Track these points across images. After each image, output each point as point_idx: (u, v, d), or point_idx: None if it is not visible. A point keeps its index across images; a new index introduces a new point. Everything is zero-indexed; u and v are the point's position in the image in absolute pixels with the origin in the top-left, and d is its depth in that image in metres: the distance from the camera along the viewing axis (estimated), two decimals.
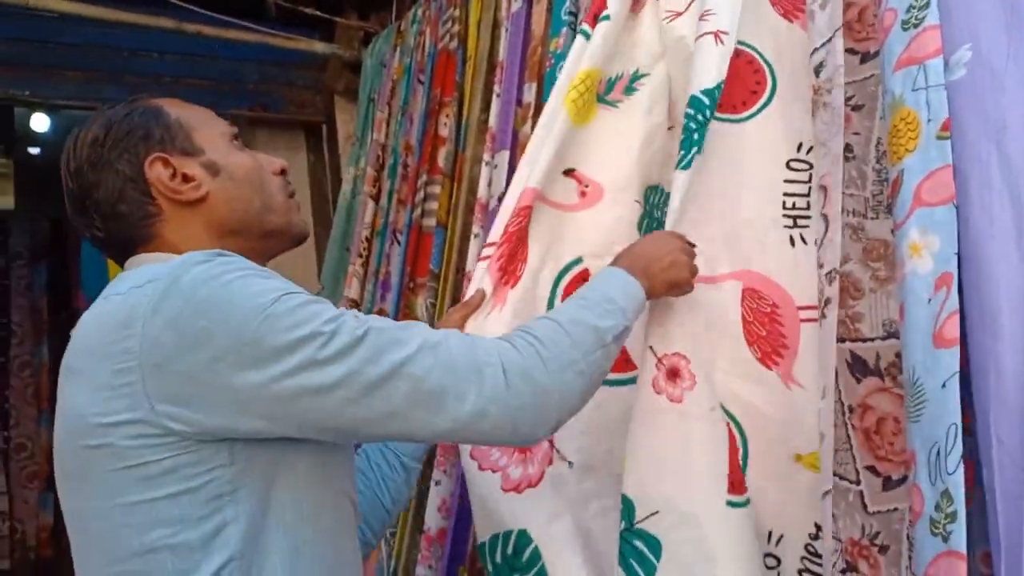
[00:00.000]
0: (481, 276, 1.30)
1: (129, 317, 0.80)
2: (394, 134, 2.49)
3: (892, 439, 0.91)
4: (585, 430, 1.22)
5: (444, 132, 2.19)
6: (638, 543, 1.02)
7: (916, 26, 0.90)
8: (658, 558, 1.00)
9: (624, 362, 1.25)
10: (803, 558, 1.03)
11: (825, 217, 1.00)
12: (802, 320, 1.08)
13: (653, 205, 1.38)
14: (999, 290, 0.76)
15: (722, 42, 1.19)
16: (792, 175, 1.15)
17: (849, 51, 1.06)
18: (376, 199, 2.50)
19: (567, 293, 1.30)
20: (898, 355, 0.92)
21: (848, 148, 1.04)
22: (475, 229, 1.87)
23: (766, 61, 1.21)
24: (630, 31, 1.41)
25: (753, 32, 1.22)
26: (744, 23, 1.20)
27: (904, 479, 0.89)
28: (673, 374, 1.09)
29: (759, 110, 1.19)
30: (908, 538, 0.87)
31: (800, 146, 1.15)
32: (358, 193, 2.64)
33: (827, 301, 0.96)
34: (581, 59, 1.38)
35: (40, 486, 4.88)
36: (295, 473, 0.86)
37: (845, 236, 1.01)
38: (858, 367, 0.97)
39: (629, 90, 1.41)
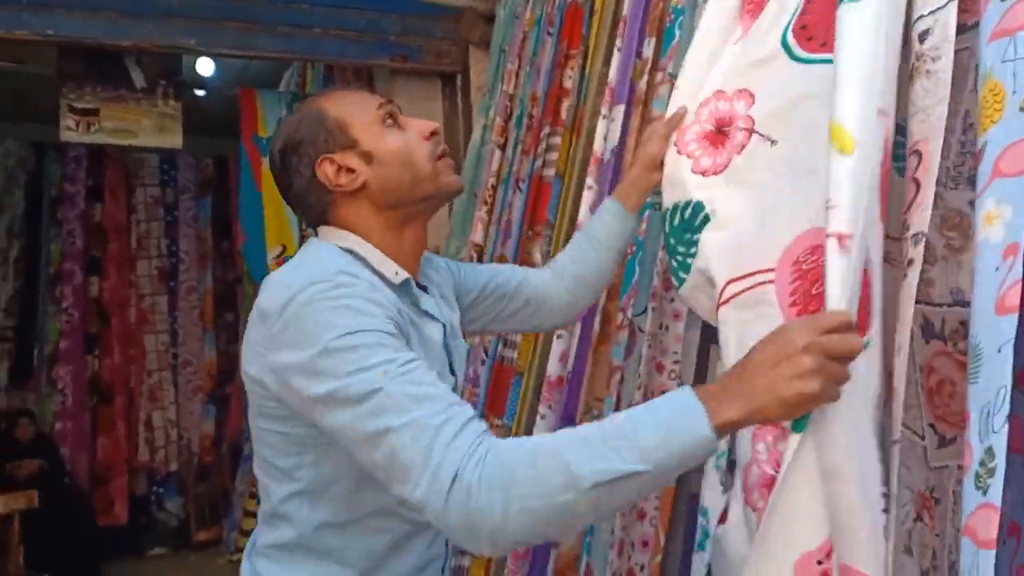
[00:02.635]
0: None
1: (269, 309, 1.03)
2: (522, 85, 2.56)
3: (948, 401, 0.92)
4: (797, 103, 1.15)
5: (568, 84, 2.24)
6: None
7: None
8: None
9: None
10: None
11: (916, 181, 0.99)
12: None
13: None
14: None
15: (848, 249, 1.02)
16: None
17: None
18: (503, 148, 2.59)
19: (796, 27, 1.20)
20: (962, 323, 0.92)
21: None
22: (589, 181, 1.92)
23: None
24: None
25: None
26: None
27: (955, 439, 0.91)
28: None
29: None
30: (953, 493, 0.89)
31: None
32: (487, 142, 2.74)
33: (910, 262, 0.97)
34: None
35: (203, 398, 5.43)
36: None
37: None
38: (928, 330, 0.99)
39: None
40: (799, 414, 0.85)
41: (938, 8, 1.05)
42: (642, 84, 1.81)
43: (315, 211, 1.17)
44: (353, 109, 1.16)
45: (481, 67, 3.04)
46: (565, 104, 2.22)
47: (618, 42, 1.96)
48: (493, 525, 0.85)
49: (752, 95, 1.23)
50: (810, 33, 1.16)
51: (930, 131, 1.01)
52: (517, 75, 2.61)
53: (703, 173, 1.25)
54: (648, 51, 1.81)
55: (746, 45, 1.26)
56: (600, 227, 1.42)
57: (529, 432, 2.01)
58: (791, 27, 1.19)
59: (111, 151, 5.05)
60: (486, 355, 2.43)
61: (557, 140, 2.22)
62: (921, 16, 1.04)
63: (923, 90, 1.03)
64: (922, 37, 1.05)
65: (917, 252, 0.97)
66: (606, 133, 1.92)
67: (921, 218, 0.98)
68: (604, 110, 1.95)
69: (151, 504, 5.37)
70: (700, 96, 1.30)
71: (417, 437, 0.89)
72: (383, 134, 1.15)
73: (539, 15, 2.54)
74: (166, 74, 3.33)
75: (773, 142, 1.17)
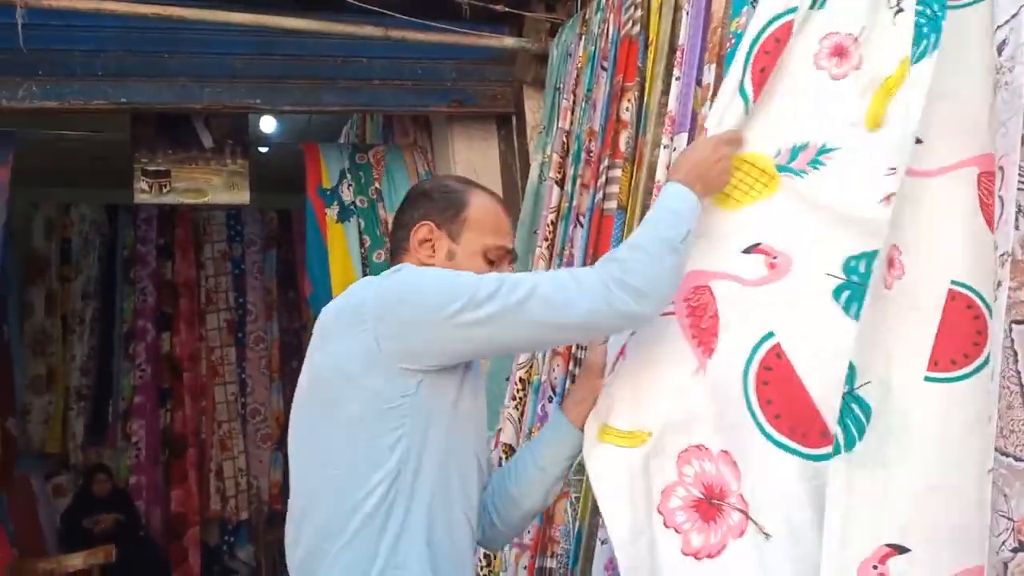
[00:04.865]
0: (663, 330, 1.38)
1: (365, 288, 1.27)
2: (578, 121, 2.59)
3: None
4: (787, 497, 1.22)
5: (626, 117, 2.26)
6: (854, 406, 1.13)
7: None
8: (868, 421, 1.12)
9: (820, 435, 1.22)
10: None
11: (1001, 200, 0.98)
12: None
13: (858, 273, 1.28)
14: None
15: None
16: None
17: None
18: (561, 184, 2.61)
19: (761, 366, 1.30)
20: None
21: None
22: None
23: None
24: (820, 96, 1.38)
25: None
26: None
27: None
28: (889, 263, 1.19)
29: None
30: None
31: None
32: (544, 179, 2.76)
33: (998, 283, 0.94)
34: (743, 134, 1.42)
35: (272, 447, 5.51)
36: (443, 421, 1.24)
37: None
38: None
39: (815, 163, 1.37)
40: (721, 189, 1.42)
41: (1012, 16, 1.04)
42: (704, 111, 1.82)
43: (394, 242, 1.39)
44: (485, 222, 1.36)
45: (535, 106, 3.09)
46: (624, 136, 2.24)
47: (676, 71, 1.98)
48: (651, 292, 1.23)
49: (735, 463, 1.29)
50: (776, 411, 1.27)
51: (1009, 145, 1.00)
52: (572, 111, 2.64)
53: (695, 555, 1.26)
54: (709, 78, 1.82)
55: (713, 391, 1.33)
56: (545, 450, 1.43)
57: None
58: (757, 402, 1.29)
59: (181, 211, 5.24)
60: (554, 392, 2.42)
61: (617, 173, 2.23)
62: (999, 27, 1.04)
63: (1003, 103, 1.02)
64: (1000, 48, 1.04)
65: (1004, 272, 0.96)
66: (668, 162, 1.93)
67: (1006, 237, 0.97)
68: (665, 140, 1.96)
69: (223, 554, 5.43)
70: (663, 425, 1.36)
71: (554, 283, 1.22)
72: (477, 258, 1.34)
73: (592, 51, 2.58)
74: (233, 134, 3.46)
75: (767, 536, 1.23)
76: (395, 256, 1.38)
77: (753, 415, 1.28)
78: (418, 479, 1.21)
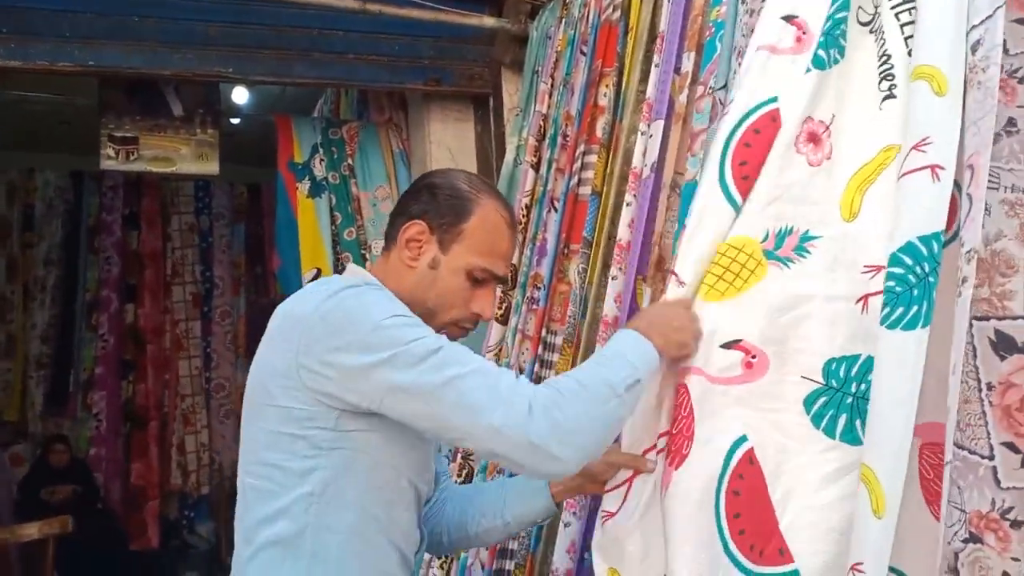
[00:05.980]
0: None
1: (302, 310, 1.16)
2: (555, 104, 2.58)
3: None
4: None
5: (603, 102, 2.25)
6: None
7: None
8: None
9: (777, 552, 1.18)
10: None
11: (970, 197, 0.99)
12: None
13: (837, 379, 1.23)
14: None
15: (939, 179, 1.03)
16: None
17: (1017, 21, 1.02)
18: (536, 168, 2.60)
19: (734, 474, 1.25)
20: None
21: (1011, 122, 1.00)
22: (627, 198, 1.92)
23: None
24: (801, 181, 1.31)
25: None
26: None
27: None
28: None
29: None
30: None
31: None
32: (520, 162, 2.75)
33: (963, 280, 0.95)
34: (729, 218, 1.32)
35: (236, 422, 5.43)
36: (371, 454, 1.17)
37: (1001, 212, 0.99)
38: (1003, 344, 0.95)
39: (800, 250, 1.30)
40: (681, 355, 1.29)
41: (987, 17, 1.05)
42: (681, 99, 1.81)
43: (388, 228, 1.31)
44: (482, 240, 1.25)
45: (513, 88, 3.06)
46: (601, 121, 2.23)
47: (656, 58, 1.97)
48: (574, 435, 1.11)
49: None
50: (742, 526, 1.23)
51: (981, 144, 1.01)
52: (550, 95, 2.63)
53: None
54: (688, 66, 1.81)
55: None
56: (516, 507, 1.41)
57: None
58: (725, 515, 1.24)
59: (148, 180, 5.14)
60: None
61: (593, 158, 2.22)
62: (973, 26, 1.05)
63: (975, 102, 1.03)
64: (974, 48, 1.05)
65: (971, 269, 0.97)
66: (645, 149, 1.92)
67: (974, 234, 0.97)
68: (643, 126, 1.95)
69: (183, 528, 5.39)
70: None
71: (483, 380, 1.10)
72: (460, 275, 1.24)
73: (572, 35, 2.56)
74: (204, 103, 3.38)
75: None
76: (386, 245, 1.30)
77: (720, 530, 1.23)
78: (333, 509, 1.14)
